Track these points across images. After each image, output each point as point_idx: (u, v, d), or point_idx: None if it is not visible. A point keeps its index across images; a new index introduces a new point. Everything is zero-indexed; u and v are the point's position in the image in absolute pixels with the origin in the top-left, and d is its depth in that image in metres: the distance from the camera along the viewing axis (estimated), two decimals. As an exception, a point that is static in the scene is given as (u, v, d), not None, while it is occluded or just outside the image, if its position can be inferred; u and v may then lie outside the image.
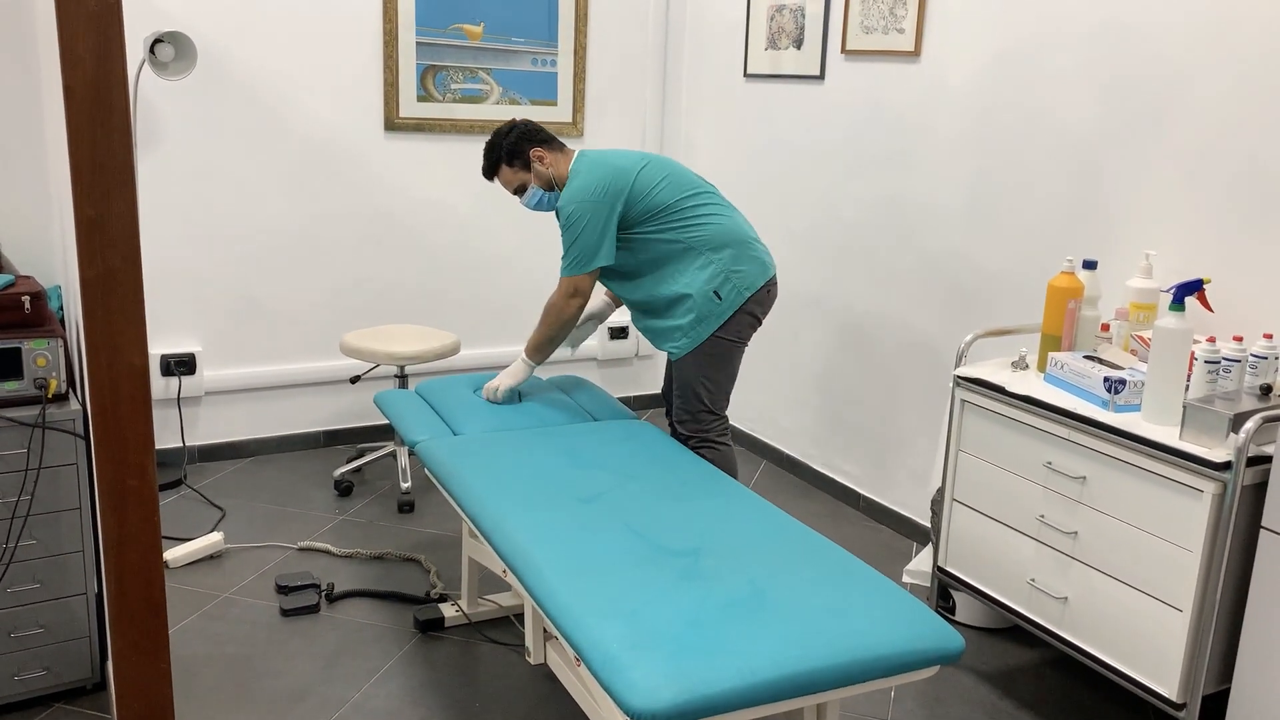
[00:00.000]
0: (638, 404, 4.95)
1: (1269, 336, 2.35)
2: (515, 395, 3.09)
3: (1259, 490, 2.18)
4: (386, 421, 4.44)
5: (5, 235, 2.92)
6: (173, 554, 3.26)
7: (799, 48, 3.98)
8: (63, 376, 2.44)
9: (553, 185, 3.01)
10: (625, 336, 4.84)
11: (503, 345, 4.58)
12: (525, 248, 4.54)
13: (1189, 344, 2.28)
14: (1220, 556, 2.18)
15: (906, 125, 3.55)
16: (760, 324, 3.05)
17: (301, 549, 3.42)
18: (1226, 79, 2.59)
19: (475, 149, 4.34)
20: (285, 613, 3.02)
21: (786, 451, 4.31)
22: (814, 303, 4.06)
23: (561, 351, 3.32)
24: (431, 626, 2.97)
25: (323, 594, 3.12)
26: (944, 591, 3.12)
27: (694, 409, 3.03)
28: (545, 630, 2.41)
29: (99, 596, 2.54)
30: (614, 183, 2.90)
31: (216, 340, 4.05)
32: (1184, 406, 2.24)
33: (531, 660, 2.44)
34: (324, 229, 4.15)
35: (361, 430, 4.42)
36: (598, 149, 3.02)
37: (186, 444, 4.08)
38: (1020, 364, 2.75)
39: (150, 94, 3.77)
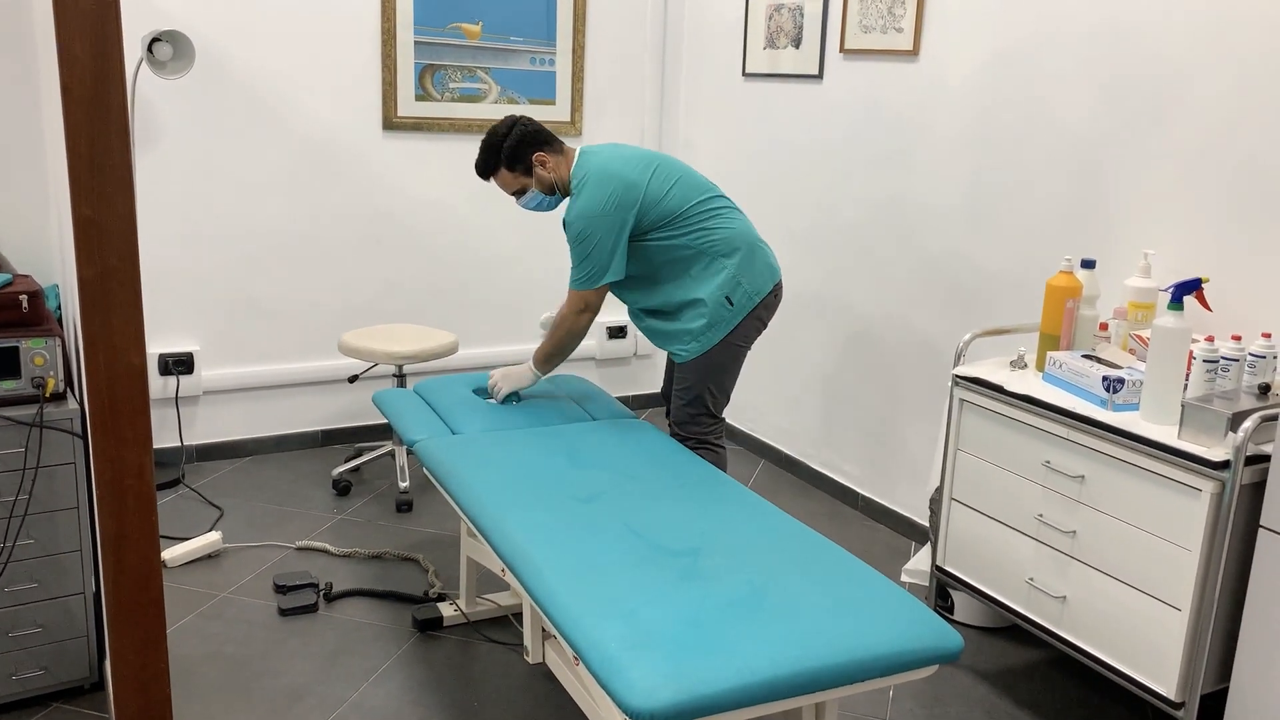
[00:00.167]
0: (636, 403, 4.95)
1: (1267, 336, 2.35)
2: (515, 395, 3.09)
3: (1257, 489, 2.18)
4: (385, 421, 4.44)
5: (3, 234, 2.91)
6: (171, 553, 3.26)
7: (797, 47, 3.98)
8: (60, 375, 2.44)
9: (554, 189, 2.96)
10: (623, 336, 4.84)
11: (501, 344, 4.58)
12: (524, 247, 4.54)
13: (1187, 343, 2.28)
14: (1219, 555, 2.18)
15: (905, 125, 3.55)
16: (765, 328, 3.04)
17: (300, 548, 3.42)
18: (1226, 78, 2.59)
19: (474, 148, 4.34)
20: (283, 612, 3.01)
21: (785, 451, 4.31)
22: (812, 302, 4.06)
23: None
24: (430, 626, 2.97)
25: (321, 593, 3.12)
26: (942, 591, 3.12)
27: (695, 412, 3.02)
28: (544, 630, 2.41)
29: (97, 596, 2.54)
30: (625, 196, 2.83)
31: (215, 339, 4.05)
32: (1182, 406, 2.24)
33: (530, 659, 2.44)
34: (322, 228, 4.15)
35: (360, 429, 4.41)
36: (599, 147, 2.97)
37: (184, 443, 4.07)
38: (1019, 363, 2.75)
39: (148, 93, 3.76)
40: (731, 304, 2.91)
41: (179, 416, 4.04)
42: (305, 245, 4.13)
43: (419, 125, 4.22)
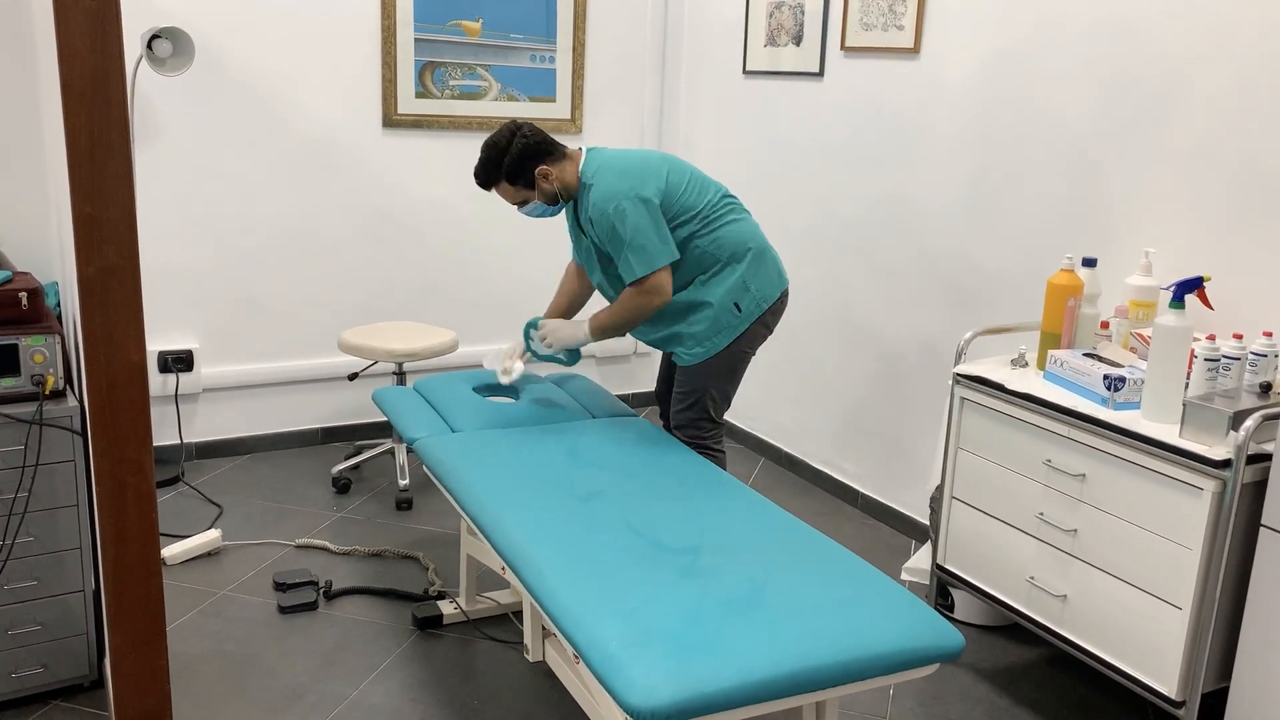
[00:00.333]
0: (636, 401, 4.95)
1: (1269, 334, 2.35)
2: (515, 391, 3.08)
3: (1259, 488, 2.18)
4: (385, 418, 4.43)
5: (3, 231, 2.91)
6: (170, 551, 3.25)
7: (798, 44, 3.97)
8: (60, 373, 2.44)
9: (557, 199, 2.88)
10: (622, 334, 4.82)
11: (500, 342, 4.57)
12: (524, 244, 4.53)
13: (1189, 342, 2.28)
14: (1220, 554, 2.17)
15: (906, 123, 3.55)
16: (771, 334, 3.01)
17: (299, 546, 3.42)
18: (1226, 77, 2.59)
19: (474, 146, 4.34)
20: (283, 610, 3.01)
21: (785, 449, 4.31)
22: (813, 299, 4.06)
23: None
24: (430, 624, 2.97)
25: (321, 591, 3.12)
26: (943, 589, 3.12)
27: (695, 416, 2.98)
28: (544, 628, 2.40)
29: (96, 593, 2.54)
30: (646, 177, 2.76)
31: (214, 337, 4.05)
32: (1184, 404, 2.24)
33: (530, 658, 2.44)
34: (322, 225, 4.14)
35: (359, 427, 4.41)
36: (606, 148, 2.92)
37: (184, 441, 4.07)
38: (1020, 362, 2.75)
39: (148, 90, 3.76)
40: (739, 310, 2.88)
41: (179, 414, 4.04)
42: (305, 242, 4.12)
43: (419, 122, 4.22)
